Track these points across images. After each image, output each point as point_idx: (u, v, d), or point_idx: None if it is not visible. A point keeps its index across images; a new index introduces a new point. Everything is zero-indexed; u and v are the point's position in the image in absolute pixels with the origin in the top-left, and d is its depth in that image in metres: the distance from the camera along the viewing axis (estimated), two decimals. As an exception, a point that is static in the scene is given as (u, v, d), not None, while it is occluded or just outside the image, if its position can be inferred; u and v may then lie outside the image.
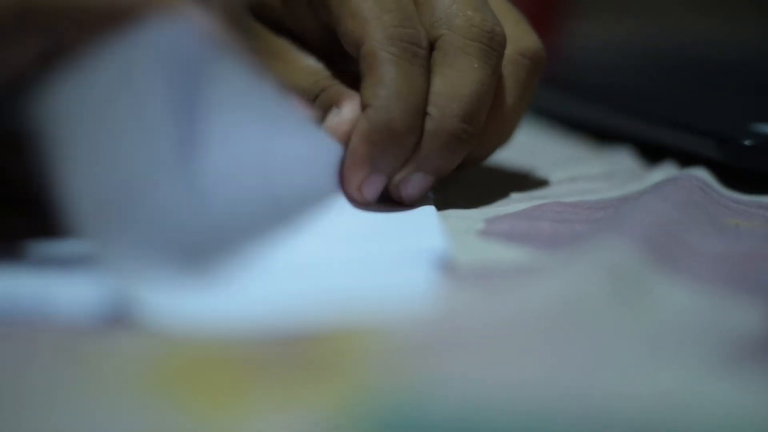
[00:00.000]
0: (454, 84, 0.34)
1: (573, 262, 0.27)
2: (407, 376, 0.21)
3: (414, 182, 0.34)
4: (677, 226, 0.31)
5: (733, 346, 0.23)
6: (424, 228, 0.32)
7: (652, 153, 0.45)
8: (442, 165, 0.34)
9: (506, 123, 0.37)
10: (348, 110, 0.34)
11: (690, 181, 0.37)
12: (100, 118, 0.24)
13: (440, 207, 0.35)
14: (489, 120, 0.35)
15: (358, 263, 0.28)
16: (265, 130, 0.30)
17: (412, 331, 0.22)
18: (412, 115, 0.33)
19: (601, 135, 0.50)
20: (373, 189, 0.34)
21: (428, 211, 0.34)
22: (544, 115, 0.57)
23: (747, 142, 0.39)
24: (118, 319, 0.23)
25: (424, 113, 0.33)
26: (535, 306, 0.24)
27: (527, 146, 0.49)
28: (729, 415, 0.20)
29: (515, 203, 0.36)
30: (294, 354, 0.21)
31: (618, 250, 0.27)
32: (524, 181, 0.40)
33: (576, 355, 0.22)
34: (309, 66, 0.36)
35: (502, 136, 0.37)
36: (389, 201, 0.34)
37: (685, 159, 0.42)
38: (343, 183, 0.34)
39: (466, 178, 0.39)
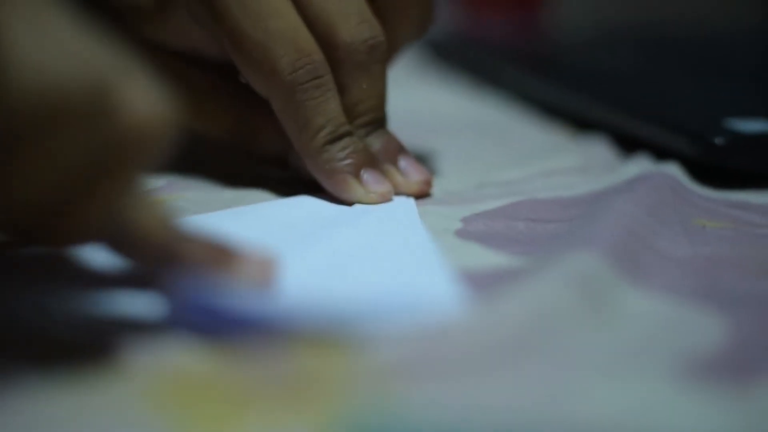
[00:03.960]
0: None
1: (546, 273, 0.28)
2: (389, 395, 0.22)
3: None
4: (647, 230, 0.33)
5: (696, 360, 0.24)
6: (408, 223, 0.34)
7: (627, 141, 0.46)
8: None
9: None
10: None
11: (662, 179, 0.38)
12: None
13: (418, 201, 0.36)
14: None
15: (360, 270, 0.30)
16: None
17: (394, 350, 0.24)
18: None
19: (579, 122, 0.51)
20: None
21: (409, 208, 0.35)
22: (523, 99, 0.58)
23: (717, 141, 0.40)
24: None
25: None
26: (510, 322, 0.25)
27: (505, 133, 0.50)
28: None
29: (492, 199, 0.37)
30: (285, 373, 0.22)
31: (589, 261, 0.28)
32: (500, 174, 0.41)
33: (546, 373, 0.23)
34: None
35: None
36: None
37: (660, 150, 0.43)
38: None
39: (443, 170, 0.41)
